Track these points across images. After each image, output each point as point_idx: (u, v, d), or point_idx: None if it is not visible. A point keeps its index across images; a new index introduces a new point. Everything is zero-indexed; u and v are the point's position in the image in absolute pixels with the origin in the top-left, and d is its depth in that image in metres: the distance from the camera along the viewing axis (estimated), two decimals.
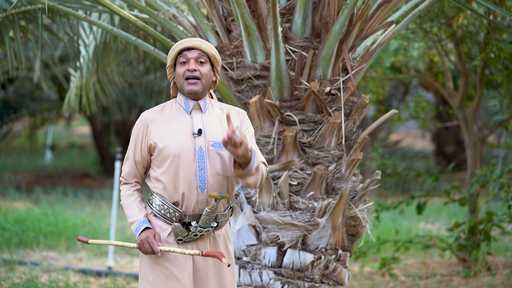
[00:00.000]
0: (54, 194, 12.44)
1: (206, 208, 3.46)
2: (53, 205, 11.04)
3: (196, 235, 3.51)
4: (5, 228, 8.60)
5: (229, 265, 3.41)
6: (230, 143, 3.28)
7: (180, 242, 3.53)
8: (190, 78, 3.50)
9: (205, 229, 3.51)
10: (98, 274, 7.34)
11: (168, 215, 3.51)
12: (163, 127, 3.52)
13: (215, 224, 3.53)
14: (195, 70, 3.49)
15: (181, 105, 3.56)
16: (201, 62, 3.51)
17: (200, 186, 3.48)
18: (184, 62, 3.51)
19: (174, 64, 3.57)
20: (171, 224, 3.51)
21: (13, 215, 9.18)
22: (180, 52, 3.52)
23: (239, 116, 3.60)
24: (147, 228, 3.49)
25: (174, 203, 3.50)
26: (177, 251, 3.45)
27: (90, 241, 3.58)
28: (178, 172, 3.47)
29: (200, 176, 3.48)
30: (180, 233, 3.51)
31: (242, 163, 3.38)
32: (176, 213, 3.50)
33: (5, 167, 16.33)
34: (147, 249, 3.45)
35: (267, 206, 4.59)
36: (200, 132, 3.49)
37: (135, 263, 8.00)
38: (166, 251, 3.45)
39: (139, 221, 3.51)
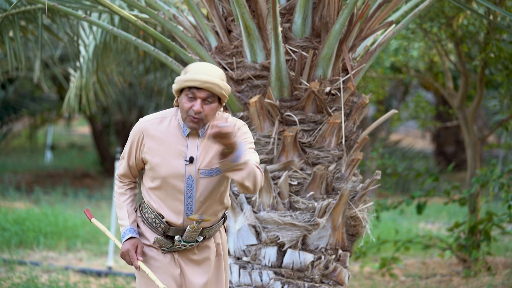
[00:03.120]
0: (54, 194, 12.44)
1: (189, 226, 3.44)
2: (53, 205, 11.03)
3: (180, 247, 3.51)
4: (5, 228, 8.60)
5: None
6: (217, 135, 3.15)
7: (165, 251, 3.53)
8: (193, 117, 3.37)
9: (189, 244, 3.50)
10: (98, 274, 7.34)
11: (154, 224, 3.51)
12: (158, 146, 3.45)
13: (201, 238, 3.52)
14: (200, 112, 3.35)
15: (180, 125, 3.47)
16: (209, 101, 3.37)
17: (186, 213, 3.47)
18: (191, 97, 3.36)
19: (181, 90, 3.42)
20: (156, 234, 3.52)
21: (13, 215, 9.17)
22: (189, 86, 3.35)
23: (235, 132, 3.46)
24: (131, 237, 3.50)
25: (160, 215, 3.49)
26: (150, 276, 3.41)
27: (93, 220, 3.61)
28: (166, 195, 3.46)
29: (187, 204, 3.46)
30: (163, 245, 3.51)
31: (227, 153, 3.25)
32: (162, 225, 3.49)
33: (5, 167, 16.32)
34: (128, 261, 3.48)
35: (267, 206, 4.59)
36: (191, 160, 3.42)
37: None
38: (144, 269, 3.45)
39: (125, 228, 3.51)
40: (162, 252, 3.53)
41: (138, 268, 3.44)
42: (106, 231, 3.60)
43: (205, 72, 3.34)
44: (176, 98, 3.50)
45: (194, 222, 3.41)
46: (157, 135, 3.45)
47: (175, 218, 3.47)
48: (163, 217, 3.48)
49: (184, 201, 3.44)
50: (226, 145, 3.18)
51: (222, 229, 3.66)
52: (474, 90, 8.99)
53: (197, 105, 3.34)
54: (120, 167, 3.60)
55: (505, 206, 6.92)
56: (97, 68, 6.82)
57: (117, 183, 3.64)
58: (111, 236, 3.61)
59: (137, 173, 3.60)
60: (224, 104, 3.49)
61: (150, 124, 3.48)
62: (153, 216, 3.50)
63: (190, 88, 3.35)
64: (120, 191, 3.60)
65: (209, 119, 3.40)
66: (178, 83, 3.37)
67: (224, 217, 3.62)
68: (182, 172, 3.42)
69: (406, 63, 9.82)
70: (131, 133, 3.52)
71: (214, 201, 3.49)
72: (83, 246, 8.62)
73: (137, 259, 3.45)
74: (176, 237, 3.47)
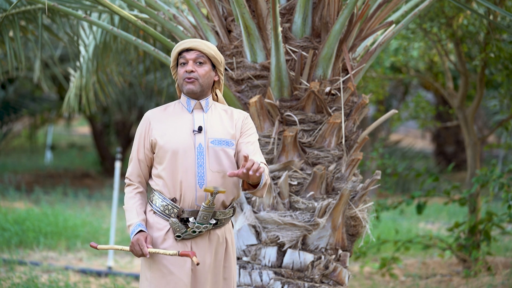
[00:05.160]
0: (54, 194, 12.44)
1: (203, 203, 3.48)
2: (53, 205, 11.03)
3: (194, 231, 3.53)
4: (5, 228, 8.60)
5: (198, 264, 3.43)
6: (248, 171, 3.35)
7: (179, 238, 3.54)
8: (188, 78, 3.57)
9: (203, 226, 3.52)
10: (98, 274, 7.34)
11: (166, 211, 3.54)
12: (165, 125, 3.59)
13: (214, 222, 3.54)
14: (192, 71, 3.56)
15: (184, 105, 3.63)
16: (200, 63, 3.58)
17: (198, 182, 3.51)
18: (183, 63, 3.59)
19: (177, 65, 3.64)
20: (169, 220, 3.54)
21: (13, 215, 9.18)
22: (180, 53, 3.60)
23: (243, 118, 3.66)
24: (141, 231, 3.53)
25: (172, 199, 3.54)
26: (160, 252, 3.49)
27: (99, 246, 3.63)
28: (177, 168, 3.52)
29: (199, 173, 3.52)
30: (178, 229, 3.53)
31: (252, 184, 3.49)
32: (175, 209, 3.53)
33: (5, 167, 16.33)
34: (138, 251, 3.51)
35: (267, 206, 4.59)
36: (200, 129, 3.55)
37: (135, 263, 8.00)
38: (154, 253, 3.50)
39: (134, 224, 3.55)
40: (176, 239, 3.53)
41: (147, 254, 3.47)
42: (112, 246, 3.64)
43: (191, 39, 3.65)
44: (176, 85, 3.69)
45: (209, 195, 3.43)
46: (163, 118, 3.62)
47: (188, 190, 3.50)
48: (175, 201, 3.53)
49: (196, 170, 3.51)
50: (254, 180, 3.38)
51: (230, 229, 3.67)
52: (474, 90, 8.99)
53: (189, 65, 3.56)
54: (129, 167, 3.67)
55: (505, 206, 6.92)
56: (97, 68, 6.81)
57: (126, 190, 3.68)
58: (117, 247, 3.62)
59: (146, 172, 3.63)
60: (221, 76, 3.64)
61: (155, 112, 3.66)
62: (165, 204, 3.54)
63: (181, 55, 3.59)
64: (128, 196, 3.64)
65: (205, 82, 3.59)
66: (172, 56, 3.64)
67: (234, 208, 3.66)
68: (191, 142, 3.53)
69: (406, 63, 9.82)
70: (138, 128, 3.66)
71: (227, 177, 3.55)
72: (83, 246, 8.61)
73: (146, 246, 3.48)
74: (191, 219, 3.50)
